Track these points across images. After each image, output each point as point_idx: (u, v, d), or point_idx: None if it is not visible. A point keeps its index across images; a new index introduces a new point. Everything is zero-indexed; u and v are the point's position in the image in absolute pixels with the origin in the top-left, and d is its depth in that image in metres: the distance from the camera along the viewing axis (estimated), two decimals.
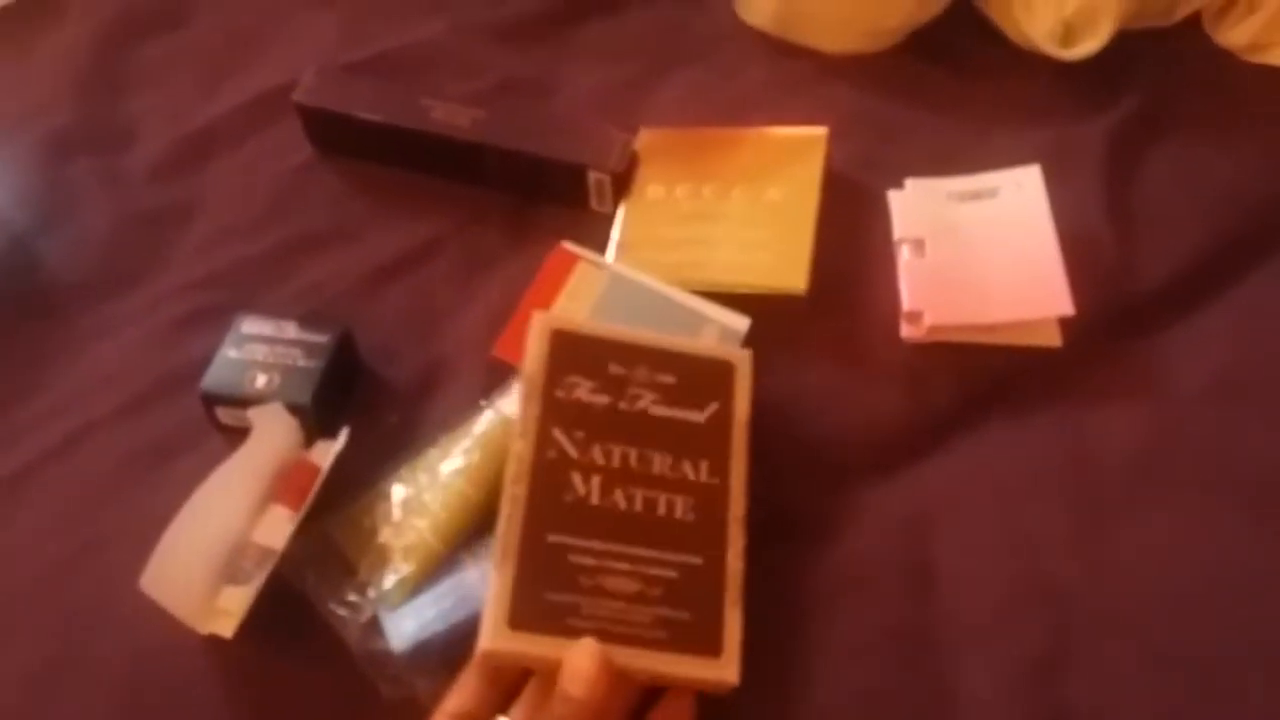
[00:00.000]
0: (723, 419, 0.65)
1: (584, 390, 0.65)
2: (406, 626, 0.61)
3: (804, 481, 0.67)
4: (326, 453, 0.67)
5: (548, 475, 0.62)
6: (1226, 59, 0.88)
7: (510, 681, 0.58)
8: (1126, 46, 0.85)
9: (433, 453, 0.68)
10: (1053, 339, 0.72)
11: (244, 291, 0.80)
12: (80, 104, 0.92)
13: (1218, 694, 0.59)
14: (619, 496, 0.62)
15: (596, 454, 0.63)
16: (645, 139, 0.83)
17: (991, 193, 0.77)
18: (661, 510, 0.62)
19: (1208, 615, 0.62)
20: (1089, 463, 0.68)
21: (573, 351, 0.66)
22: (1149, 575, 0.63)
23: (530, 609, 0.58)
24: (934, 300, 0.72)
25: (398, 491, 0.66)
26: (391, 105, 0.84)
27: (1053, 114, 0.85)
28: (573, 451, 0.63)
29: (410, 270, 0.80)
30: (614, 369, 0.66)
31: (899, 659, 0.61)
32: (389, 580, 0.63)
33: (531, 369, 0.66)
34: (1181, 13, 0.89)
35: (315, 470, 0.67)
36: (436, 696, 0.59)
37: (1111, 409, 0.70)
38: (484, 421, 0.68)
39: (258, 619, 0.62)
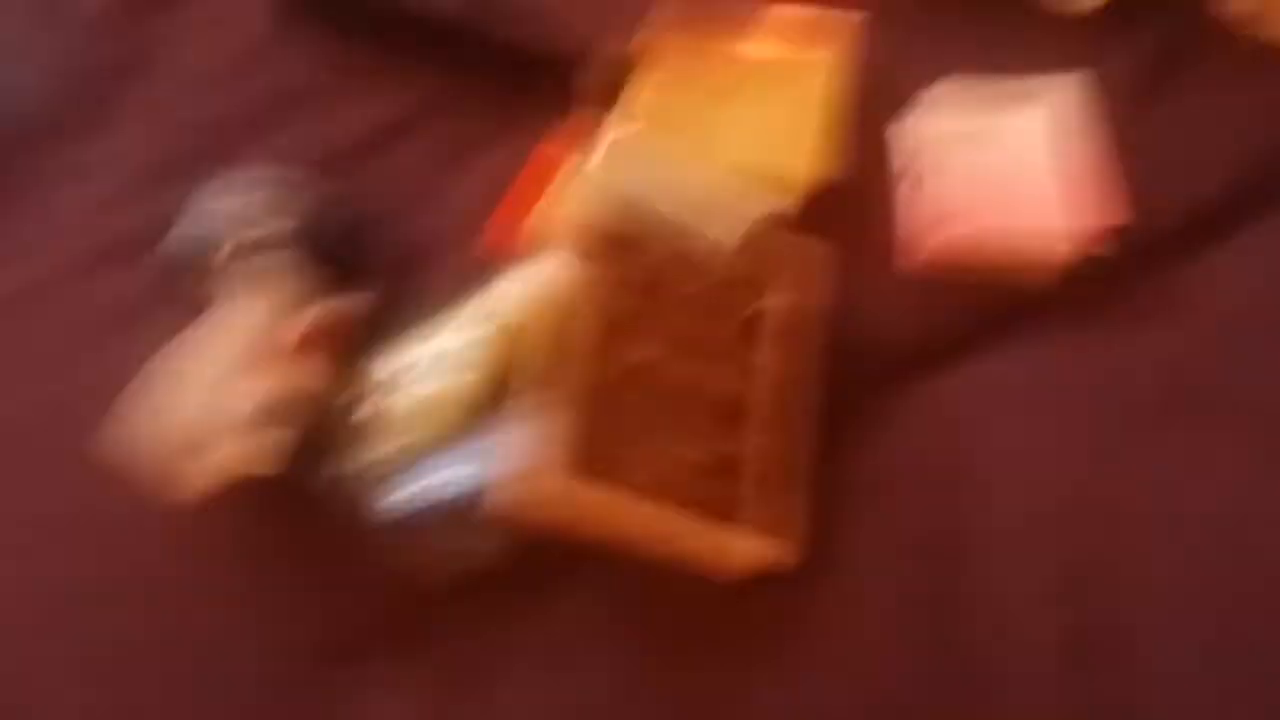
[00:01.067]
0: (796, 308, 0.63)
1: (657, 261, 0.62)
2: (401, 495, 0.58)
3: (837, 381, 0.63)
4: (356, 302, 0.64)
5: (612, 342, 0.59)
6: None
7: None
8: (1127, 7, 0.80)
9: (427, 331, 0.63)
10: (1087, 256, 0.68)
11: (211, 150, 0.73)
12: None
13: (1236, 614, 0.58)
14: (687, 369, 0.59)
15: (669, 321, 0.60)
16: (648, 34, 0.76)
17: (1029, 96, 0.73)
18: (729, 387, 0.59)
19: (1225, 541, 0.60)
20: (1114, 385, 0.66)
21: (618, 233, 0.62)
22: (1169, 500, 0.62)
23: (589, 461, 0.54)
24: (967, 205, 0.68)
25: (393, 365, 0.62)
26: None
27: (1083, 40, 0.79)
28: (645, 318, 0.60)
29: (384, 152, 0.74)
30: (657, 254, 0.62)
31: (929, 562, 0.59)
32: (385, 450, 0.59)
33: (577, 244, 0.62)
34: None
35: (349, 317, 0.63)
36: (431, 565, 0.56)
37: (1137, 333, 0.68)
38: (487, 301, 0.63)
39: (256, 489, 0.58)
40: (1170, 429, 0.64)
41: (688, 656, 0.56)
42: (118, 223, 0.69)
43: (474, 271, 0.65)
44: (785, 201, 0.67)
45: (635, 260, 0.62)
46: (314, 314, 0.62)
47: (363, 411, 0.60)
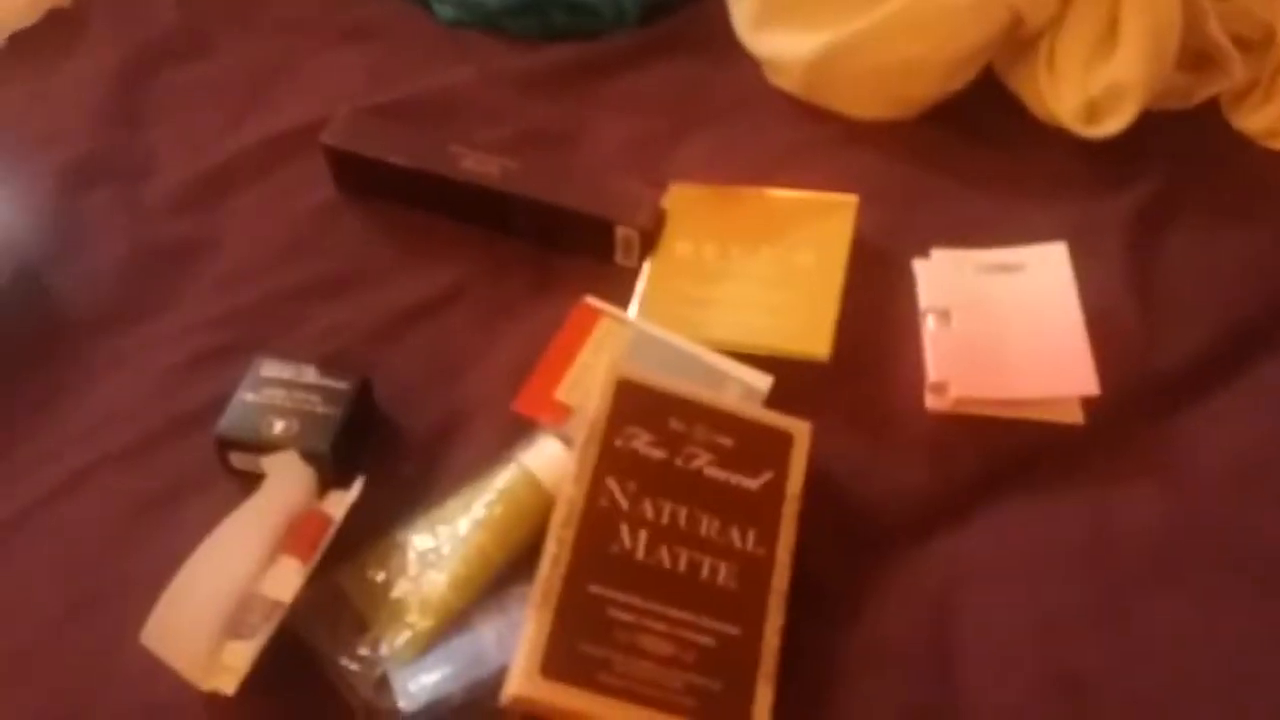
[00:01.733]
0: (776, 489, 0.65)
1: (642, 442, 0.65)
2: (417, 686, 0.60)
3: (827, 552, 0.66)
4: (340, 503, 0.66)
5: (596, 524, 0.62)
6: (1244, 142, 0.89)
7: None
8: (1147, 126, 0.86)
9: (451, 505, 0.67)
10: (1075, 416, 0.72)
11: (260, 331, 0.79)
12: (99, 132, 0.92)
13: None
14: (664, 555, 0.62)
15: (647, 508, 0.63)
16: (674, 194, 0.83)
17: (1018, 267, 0.77)
18: (705, 574, 0.61)
19: (1227, 700, 0.62)
20: (1109, 543, 0.68)
21: (637, 402, 0.66)
22: (1167, 661, 0.63)
23: (564, 658, 0.57)
24: (960, 372, 0.72)
25: (414, 543, 0.65)
26: (421, 151, 0.84)
27: (1075, 189, 0.85)
28: (624, 503, 0.63)
29: (431, 317, 0.80)
30: (675, 425, 0.66)
31: None
32: (403, 636, 0.62)
33: (595, 415, 0.66)
34: (1201, 97, 0.90)
35: (328, 521, 0.65)
36: None
37: (1131, 489, 0.70)
38: (506, 475, 0.67)
39: (263, 674, 0.61)
40: (1163, 587, 0.66)
41: None
42: (173, 405, 0.74)
43: (506, 440, 0.69)
44: (766, 380, 0.72)
45: (661, 420, 0.65)
46: (301, 514, 0.65)
47: (396, 590, 0.63)
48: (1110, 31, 0.86)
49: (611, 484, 0.63)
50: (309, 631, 0.62)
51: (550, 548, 0.61)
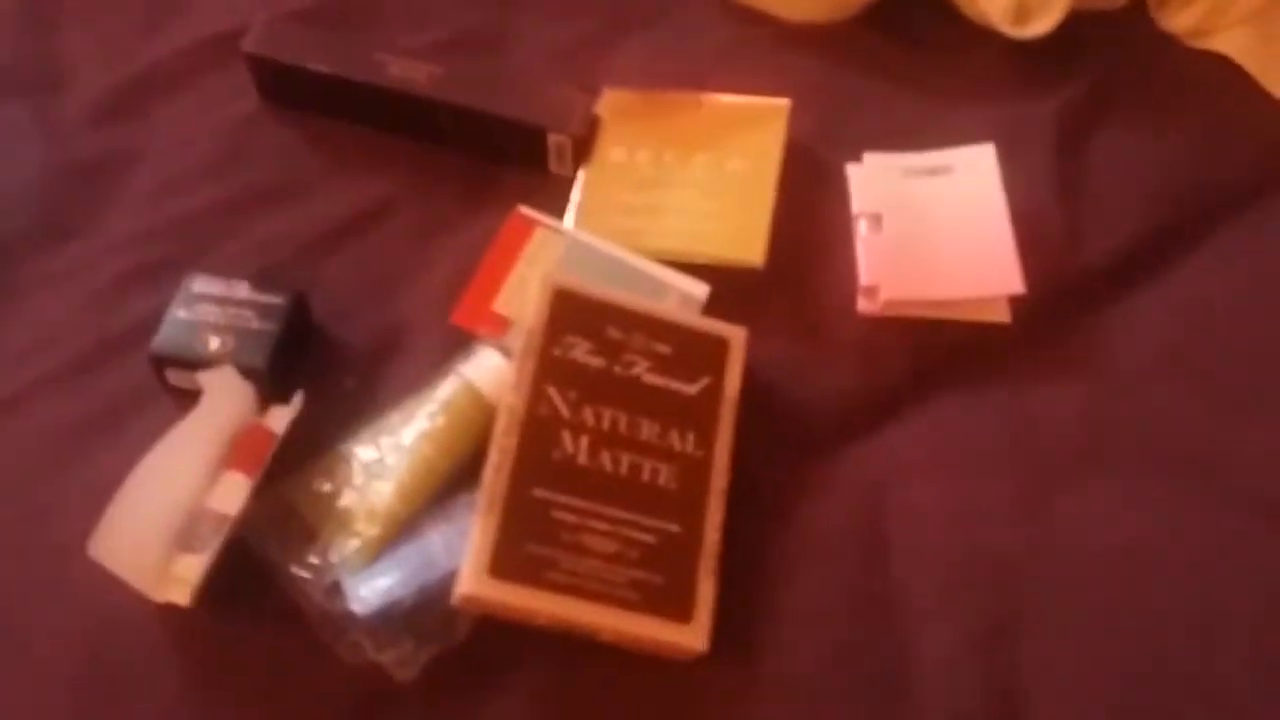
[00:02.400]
0: (713, 393, 0.67)
1: (580, 351, 0.66)
2: (369, 591, 0.61)
3: (762, 452, 0.68)
4: (281, 418, 0.67)
5: (538, 431, 0.63)
6: (1170, 42, 0.90)
7: None
8: (1075, 28, 0.86)
9: (395, 416, 0.68)
10: (1003, 315, 0.74)
11: (190, 247, 0.77)
12: (12, 43, 0.88)
13: (1156, 654, 0.63)
14: (605, 458, 0.63)
15: (587, 415, 0.64)
16: (608, 100, 0.83)
17: (947, 169, 0.78)
18: (645, 476, 0.63)
19: (1143, 581, 0.65)
20: (1033, 437, 0.71)
21: (574, 312, 0.67)
22: (1088, 548, 0.66)
23: (511, 559, 0.59)
24: (890, 275, 0.74)
25: (359, 454, 0.66)
26: (346, 58, 0.82)
27: (1005, 92, 0.86)
28: (564, 410, 0.64)
29: (364, 229, 0.79)
30: (612, 333, 0.67)
31: (858, 625, 0.63)
32: (352, 543, 0.63)
33: (532, 325, 0.66)
34: None
35: (271, 435, 0.66)
36: (399, 662, 0.59)
37: (1056, 385, 0.73)
38: (448, 387, 0.68)
39: (216, 586, 0.62)
40: (1085, 478, 0.69)
41: None
42: (105, 323, 0.73)
43: (446, 353, 0.70)
44: (703, 289, 0.73)
45: (599, 328, 0.66)
46: (244, 429, 0.65)
47: (343, 499, 0.64)
48: None
49: (551, 392, 0.64)
50: (259, 543, 0.63)
51: (493, 456, 0.62)
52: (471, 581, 0.58)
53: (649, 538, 0.61)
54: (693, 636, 0.60)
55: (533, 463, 0.62)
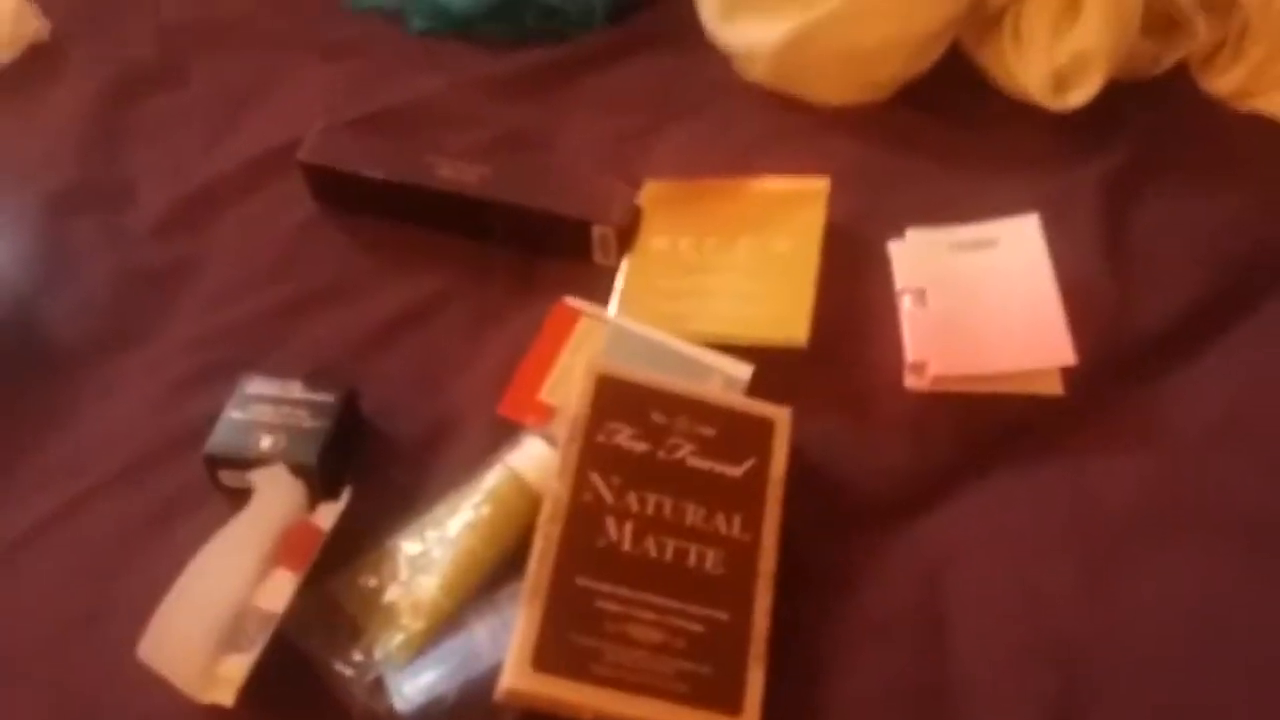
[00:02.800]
0: (759, 475, 0.66)
1: (624, 436, 0.66)
2: (412, 688, 0.61)
3: (815, 533, 0.67)
4: (330, 514, 0.67)
5: (582, 518, 0.63)
6: (1213, 106, 0.89)
7: None
8: (1116, 95, 0.86)
9: (440, 509, 0.68)
10: (1054, 387, 0.72)
11: (247, 350, 0.80)
12: (81, 162, 0.93)
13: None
14: (650, 545, 0.63)
15: (632, 501, 0.64)
16: (649, 191, 0.84)
17: (991, 242, 0.78)
18: (691, 562, 0.62)
19: (1212, 662, 0.62)
20: (1093, 511, 0.69)
21: (617, 397, 0.68)
22: (1154, 625, 0.64)
23: (554, 651, 0.58)
24: (938, 350, 0.73)
25: (404, 549, 0.66)
26: (397, 162, 0.85)
27: (1047, 163, 0.86)
28: (608, 496, 0.64)
29: (415, 327, 0.81)
30: (656, 417, 0.67)
31: (913, 714, 0.61)
32: (396, 639, 0.63)
33: (576, 412, 0.67)
34: (1168, 62, 0.91)
35: (318, 532, 0.66)
36: None
37: (1113, 457, 0.71)
38: (493, 476, 0.68)
39: (261, 685, 0.62)
40: (1148, 552, 0.66)
41: None
42: (163, 427, 0.75)
43: (493, 443, 0.70)
44: (747, 370, 0.73)
45: (642, 413, 0.66)
46: (293, 526, 0.66)
47: (388, 595, 0.64)
48: (1073, 1, 0.86)
49: (595, 478, 0.64)
50: (304, 640, 0.63)
51: (538, 544, 0.62)
52: (514, 675, 0.58)
53: (696, 626, 0.60)
54: None
55: (577, 551, 0.62)
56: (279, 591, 0.64)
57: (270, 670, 0.62)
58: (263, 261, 0.86)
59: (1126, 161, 0.85)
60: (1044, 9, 0.87)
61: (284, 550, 0.66)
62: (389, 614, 0.64)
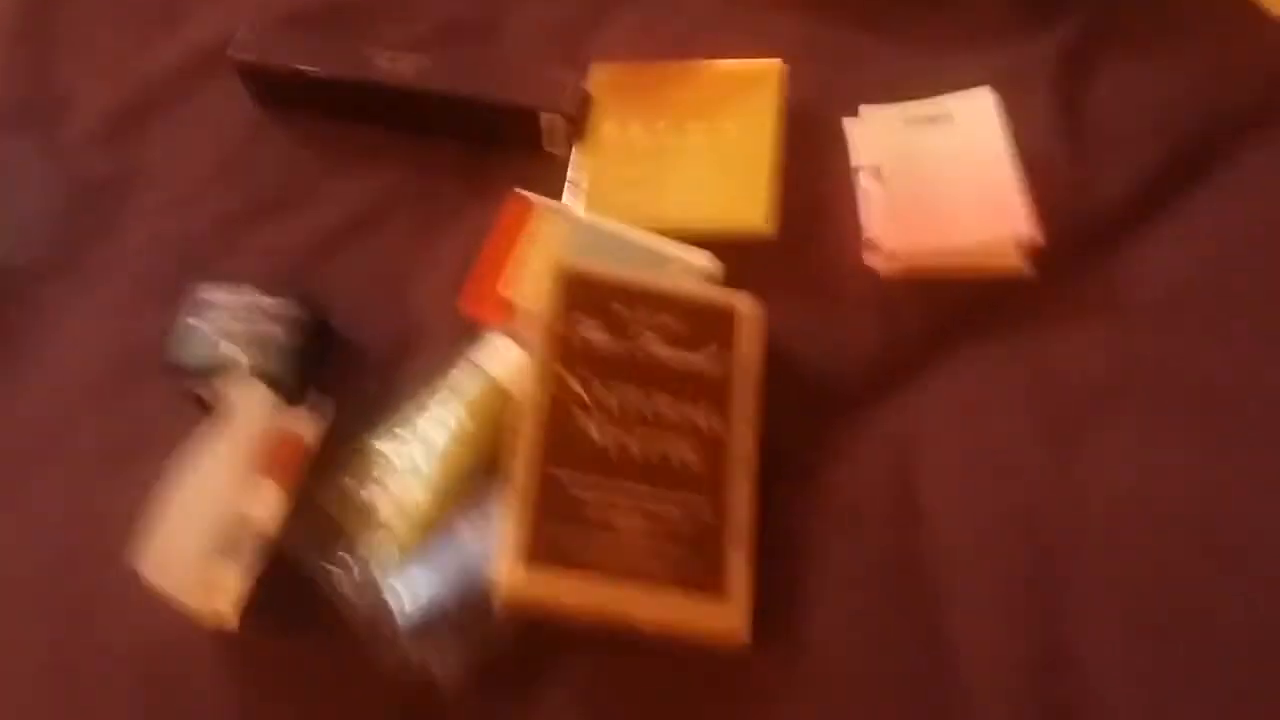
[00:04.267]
0: (726, 361, 0.66)
1: (590, 330, 0.66)
2: (407, 594, 0.62)
3: (784, 419, 0.68)
4: (307, 422, 0.67)
5: (555, 415, 0.63)
6: None
7: None
8: None
9: (409, 406, 0.68)
10: (1016, 262, 0.73)
11: (197, 260, 0.78)
12: (9, 74, 0.89)
13: (1191, 602, 0.62)
14: (624, 436, 0.63)
15: (602, 393, 0.64)
16: (597, 76, 0.82)
17: (946, 117, 0.77)
18: (665, 449, 0.63)
19: (1173, 527, 0.64)
20: (1055, 384, 0.70)
21: (580, 292, 0.67)
22: (1112, 493, 0.65)
23: (542, 546, 0.59)
24: (895, 226, 0.73)
25: (384, 453, 0.66)
26: (333, 57, 0.82)
27: (1000, 37, 0.84)
28: (579, 390, 0.64)
29: (367, 229, 0.79)
30: (619, 310, 0.67)
31: (892, 589, 0.63)
32: (388, 544, 0.63)
33: (542, 310, 0.66)
34: None
35: (301, 445, 0.66)
36: (443, 663, 0.60)
37: (1074, 330, 0.71)
38: (469, 382, 0.68)
39: (259, 599, 0.62)
40: (1114, 420, 0.68)
41: None
42: (122, 344, 0.74)
43: (457, 341, 0.70)
44: (709, 259, 0.72)
45: (605, 307, 0.66)
46: (270, 436, 0.65)
47: (373, 497, 0.65)
48: None
49: (565, 374, 0.64)
50: (298, 553, 0.64)
51: (516, 444, 0.62)
52: (506, 572, 0.59)
53: (676, 512, 0.61)
54: (729, 615, 0.59)
55: (554, 447, 0.62)
56: (268, 504, 0.64)
57: (269, 586, 0.63)
58: (206, 167, 0.83)
59: (1080, 33, 0.83)
60: None
61: (267, 460, 0.65)
62: (374, 518, 0.64)
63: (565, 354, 0.65)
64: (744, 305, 0.69)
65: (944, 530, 0.64)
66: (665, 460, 0.62)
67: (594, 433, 0.63)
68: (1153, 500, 0.65)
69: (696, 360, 0.66)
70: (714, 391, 0.65)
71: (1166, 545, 0.64)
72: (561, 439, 0.62)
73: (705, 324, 0.67)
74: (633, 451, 0.62)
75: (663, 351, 0.66)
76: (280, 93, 0.84)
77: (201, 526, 0.62)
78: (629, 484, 0.61)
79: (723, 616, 0.59)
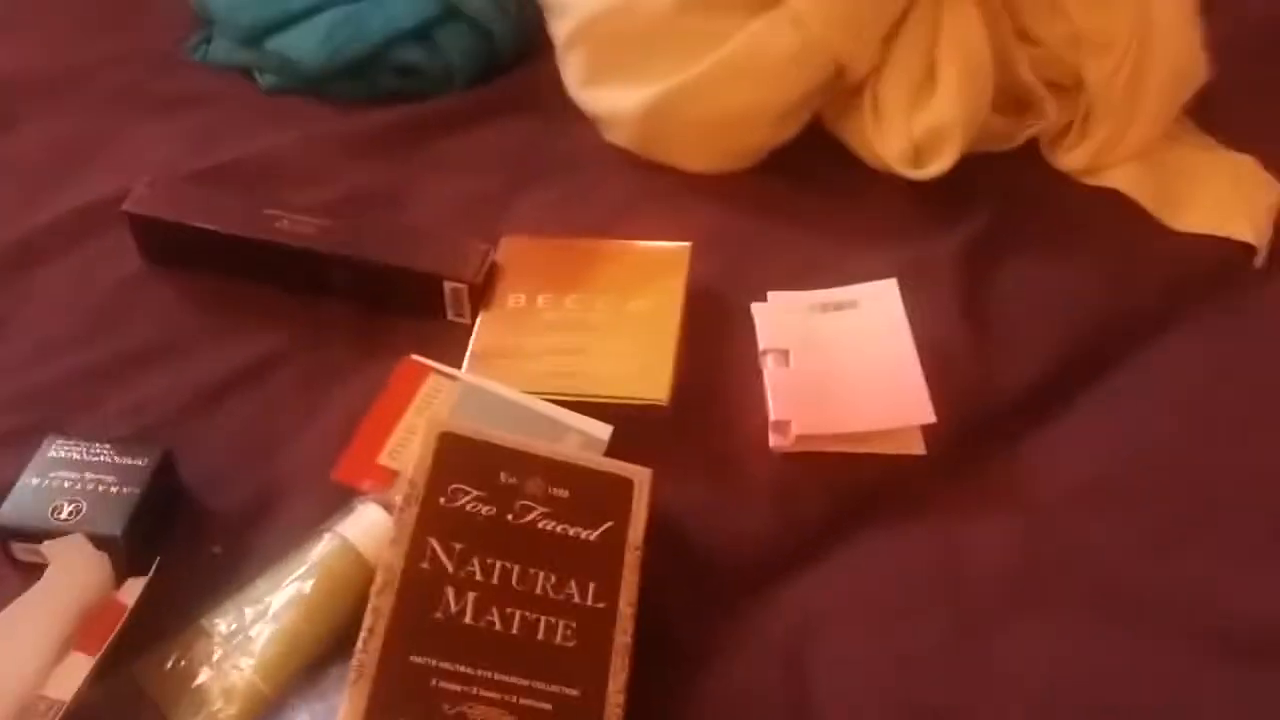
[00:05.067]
0: (616, 539, 0.61)
1: (470, 499, 0.60)
2: None
3: (674, 603, 0.63)
4: (135, 590, 0.60)
5: (418, 588, 0.57)
6: (1065, 177, 0.91)
7: None
8: (973, 166, 0.88)
9: (261, 584, 0.61)
10: (917, 447, 0.71)
11: (57, 414, 0.72)
12: None
13: None
14: (495, 616, 0.57)
15: (475, 568, 0.58)
16: (506, 246, 0.81)
17: (852, 304, 0.77)
18: (541, 634, 0.57)
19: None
20: (957, 574, 0.66)
21: (463, 458, 0.62)
22: (1025, 691, 0.61)
23: None
24: (800, 410, 0.71)
25: (218, 627, 0.59)
26: (231, 214, 0.79)
27: (906, 231, 0.86)
28: (449, 564, 0.58)
29: (246, 388, 0.75)
30: (505, 478, 0.62)
31: None
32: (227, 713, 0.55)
33: (415, 472, 0.61)
34: (1021, 138, 0.93)
35: (120, 609, 0.59)
36: None
37: (976, 518, 0.69)
38: (320, 548, 0.62)
39: None
40: (1024, 612, 0.64)
41: None
42: None
43: (325, 513, 0.64)
44: (605, 429, 0.69)
45: (490, 475, 0.61)
46: (93, 607, 0.59)
47: (198, 679, 0.57)
48: (929, 77, 0.88)
49: (435, 545, 0.59)
50: None
51: (367, 619, 0.56)
52: None
53: (544, 705, 0.55)
54: None
55: (411, 625, 0.56)
56: (71, 677, 0.56)
57: None
58: (79, 318, 0.79)
59: (982, 230, 0.86)
60: (900, 84, 0.89)
61: (84, 633, 0.58)
62: (198, 699, 0.56)
63: (440, 523, 0.59)
64: (641, 478, 0.65)
65: None
66: (539, 644, 0.56)
67: (462, 612, 0.57)
68: (1070, 694, 0.61)
69: (587, 536, 0.61)
70: (602, 571, 0.60)
71: None
72: (423, 617, 0.56)
73: (599, 498, 0.63)
74: (504, 635, 0.56)
75: (550, 525, 0.61)
76: (173, 249, 0.81)
77: None
78: (495, 673, 0.55)
79: None
